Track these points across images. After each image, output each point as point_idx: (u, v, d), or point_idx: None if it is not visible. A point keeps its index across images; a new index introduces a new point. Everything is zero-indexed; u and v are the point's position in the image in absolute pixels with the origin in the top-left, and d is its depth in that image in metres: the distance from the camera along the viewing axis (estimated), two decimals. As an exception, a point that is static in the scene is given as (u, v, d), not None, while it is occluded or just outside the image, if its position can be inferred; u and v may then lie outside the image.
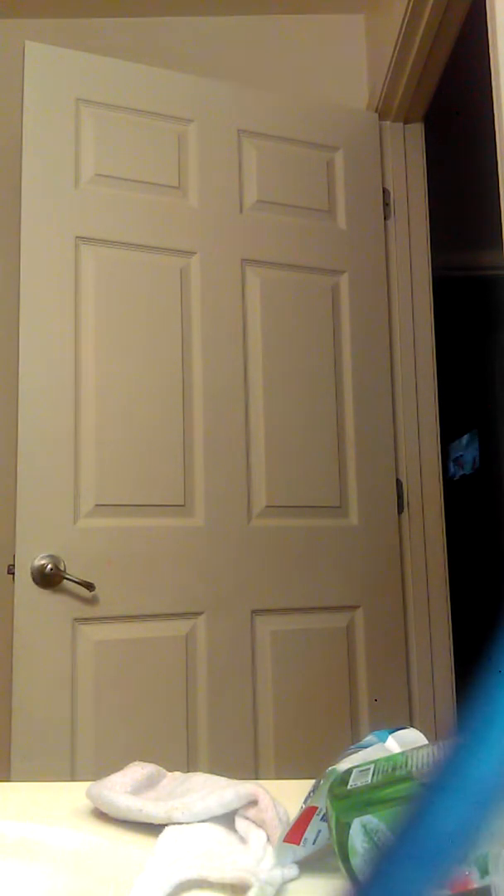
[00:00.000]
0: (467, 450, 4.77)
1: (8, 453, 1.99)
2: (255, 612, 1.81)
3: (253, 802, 0.59)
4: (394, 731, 0.57)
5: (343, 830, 0.47)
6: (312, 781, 0.58)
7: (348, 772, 0.51)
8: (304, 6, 2.27)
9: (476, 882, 0.42)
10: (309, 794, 0.56)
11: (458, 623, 2.17)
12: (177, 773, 0.71)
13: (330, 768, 0.54)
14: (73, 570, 1.66)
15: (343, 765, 0.54)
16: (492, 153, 1.40)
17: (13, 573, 1.65)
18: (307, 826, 0.52)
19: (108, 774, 0.68)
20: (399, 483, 2.04)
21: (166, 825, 0.59)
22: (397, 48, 1.96)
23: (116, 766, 0.71)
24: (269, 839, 0.55)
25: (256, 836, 0.55)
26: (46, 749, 1.60)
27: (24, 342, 1.71)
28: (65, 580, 1.65)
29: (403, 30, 1.90)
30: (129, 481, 1.74)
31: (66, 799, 0.69)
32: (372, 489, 1.96)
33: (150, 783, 0.68)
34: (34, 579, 1.63)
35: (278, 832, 0.54)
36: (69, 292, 1.75)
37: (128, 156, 1.85)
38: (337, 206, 2.05)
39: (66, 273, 1.75)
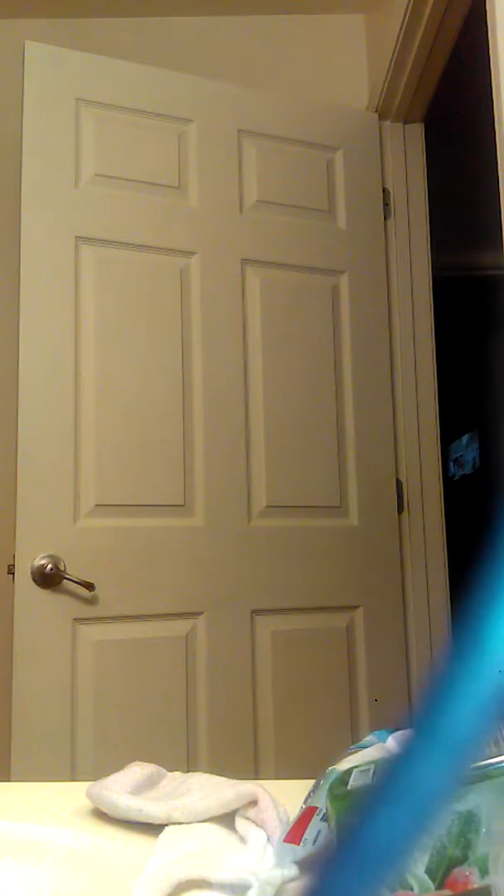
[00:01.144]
0: (467, 450, 4.77)
1: (8, 453, 1.99)
2: (255, 612, 1.81)
3: (253, 802, 0.59)
4: (394, 731, 0.57)
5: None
6: (312, 781, 0.58)
7: (348, 772, 0.51)
8: (304, 6, 2.27)
9: (476, 882, 0.42)
10: (309, 794, 0.56)
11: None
12: (177, 773, 0.71)
13: (330, 768, 0.54)
14: (73, 570, 1.66)
15: (343, 765, 0.54)
16: (492, 153, 1.40)
17: (13, 573, 1.65)
18: (307, 826, 0.52)
19: (108, 774, 0.68)
20: (399, 483, 2.04)
21: (166, 825, 0.59)
22: (397, 48, 1.96)
23: (116, 766, 0.71)
24: (269, 839, 0.55)
25: (256, 836, 0.55)
26: (46, 749, 1.60)
27: (24, 342, 1.71)
28: (65, 580, 1.65)
29: (403, 30, 1.90)
30: (129, 481, 1.74)
31: (66, 799, 0.69)
32: (372, 489, 1.96)
33: (150, 783, 0.68)
34: (34, 579, 1.63)
35: (278, 832, 0.54)
36: (69, 292, 1.75)
37: (128, 156, 1.85)
38: (337, 206, 2.05)
39: (66, 273, 1.75)
